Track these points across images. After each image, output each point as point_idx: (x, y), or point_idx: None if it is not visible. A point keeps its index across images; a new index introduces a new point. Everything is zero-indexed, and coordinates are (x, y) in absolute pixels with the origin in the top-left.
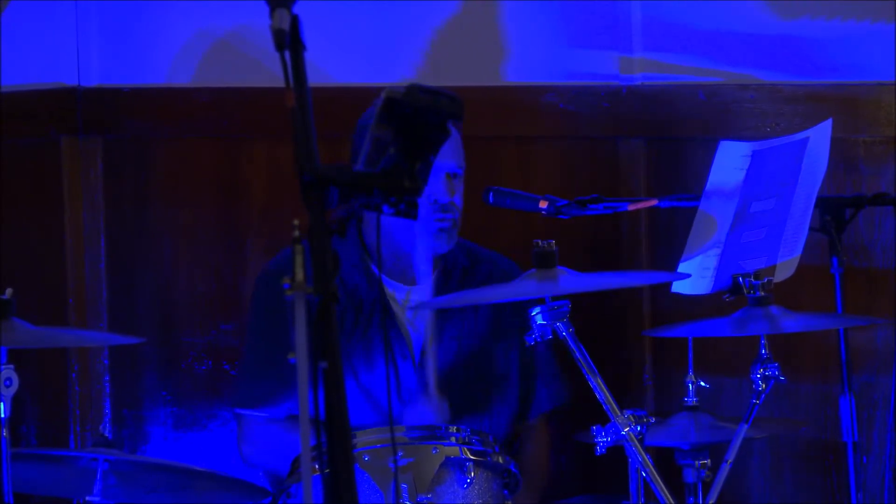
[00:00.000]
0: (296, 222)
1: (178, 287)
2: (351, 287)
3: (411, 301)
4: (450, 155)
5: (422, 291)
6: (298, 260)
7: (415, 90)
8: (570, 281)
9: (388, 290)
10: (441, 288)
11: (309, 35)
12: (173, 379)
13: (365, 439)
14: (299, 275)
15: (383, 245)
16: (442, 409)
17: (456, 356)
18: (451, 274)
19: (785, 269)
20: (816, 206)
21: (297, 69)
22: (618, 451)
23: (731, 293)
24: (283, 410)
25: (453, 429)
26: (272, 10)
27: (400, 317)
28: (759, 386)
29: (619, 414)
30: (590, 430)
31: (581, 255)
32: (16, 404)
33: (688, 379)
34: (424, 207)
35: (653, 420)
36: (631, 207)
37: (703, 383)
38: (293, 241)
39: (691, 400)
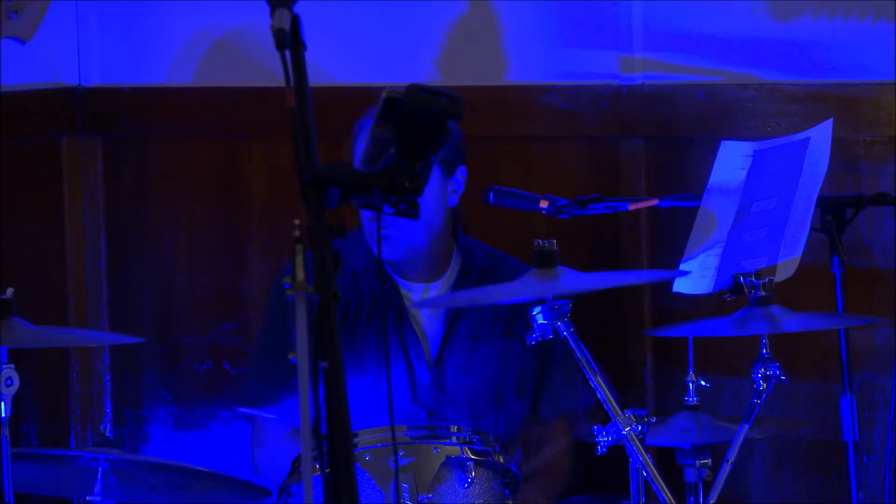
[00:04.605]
0: (296, 222)
1: (178, 287)
2: (365, 286)
3: (426, 298)
4: None
5: (437, 290)
6: (299, 260)
7: (415, 90)
8: (570, 280)
9: (404, 290)
10: (459, 287)
11: (309, 35)
12: (173, 379)
13: (366, 439)
14: (300, 274)
15: (398, 244)
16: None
17: (472, 354)
18: (470, 273)
19: (785, 268)
20: (817, 205)
21: (298, 69)
22: (618, 451)
23: (732, 293)
24: (285, 409)
25: (454, 428)
26: (272, 10)
27: (416, 316)
28: (760, 385)
29: (620, 413)
30: (591, 429)
31: (582, 254)
32: (16, 404)
33: (688, 378)
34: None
35: (653, 419)
36: (632, 207)
37: (703, 383)
38: (294, 241)
39: (692, 399)
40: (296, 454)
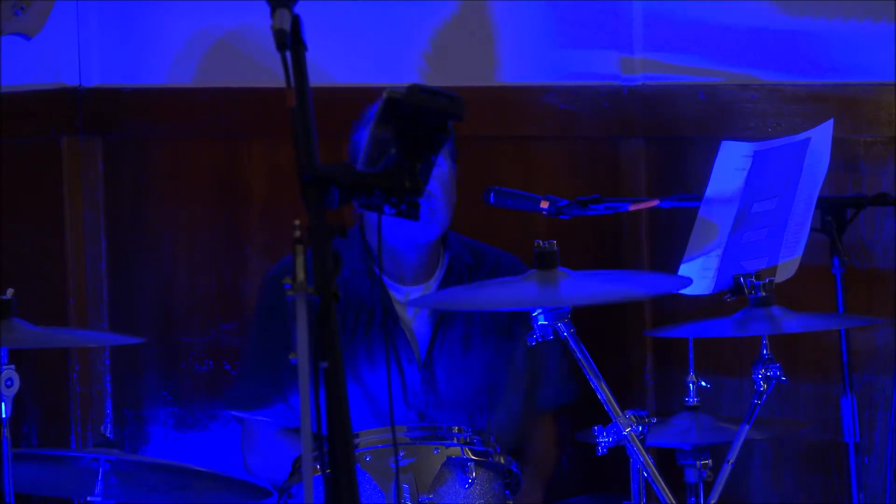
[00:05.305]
0: (296, 222)
1: (178, 287)
2: (355, 292)
3: (425, 297)
4: None
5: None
6: (299, 260)
7: (415, 90)
8: (570, 287)
9: (392, 294)
10: (447, 285)
11: (309, 35)
12: (174, 379)
13: (367, 439)
14: (300, 275)
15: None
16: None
17: (463, 355)
18: (457, 272)
19: (786, 269)
20: (817, 206)
21: (298, 69)
22: (619, 451)
23: (733, 293)
24: (276, 412)
25: (455, 429)
26: (273, 10)
27: (406, 320)
28: (760, 386)
29: (621, 414)
30: (591, 430)
31: (582, 255)
32: (17, 404)
33: (689, 379)
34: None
35: (654, 420)
36: (632, 208)
37: (704, 383)
38: (294, 241)
39: (692, 400)
40: (286, 452)
